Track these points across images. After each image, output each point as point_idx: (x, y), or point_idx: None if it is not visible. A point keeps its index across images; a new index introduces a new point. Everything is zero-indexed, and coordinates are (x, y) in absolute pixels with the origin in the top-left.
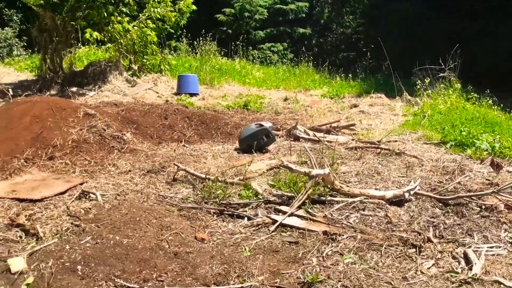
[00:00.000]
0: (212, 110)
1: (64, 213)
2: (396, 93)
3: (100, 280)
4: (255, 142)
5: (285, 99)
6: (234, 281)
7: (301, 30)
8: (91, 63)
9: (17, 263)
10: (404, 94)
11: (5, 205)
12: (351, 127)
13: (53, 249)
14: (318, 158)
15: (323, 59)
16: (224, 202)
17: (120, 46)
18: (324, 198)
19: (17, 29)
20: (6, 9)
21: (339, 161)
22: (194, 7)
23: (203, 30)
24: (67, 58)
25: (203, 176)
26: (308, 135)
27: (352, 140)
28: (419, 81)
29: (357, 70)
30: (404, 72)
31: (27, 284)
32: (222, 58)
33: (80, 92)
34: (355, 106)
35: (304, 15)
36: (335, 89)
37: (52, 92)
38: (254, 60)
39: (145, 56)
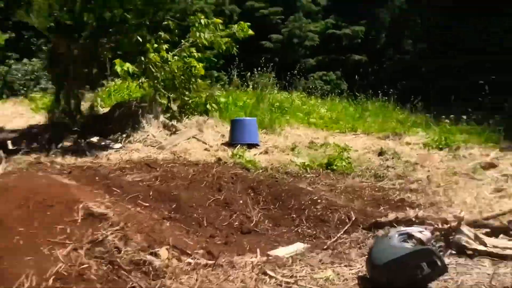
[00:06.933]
0: (283, 172)
1: None
2: None
3: None
4: (405, 275)
5: (380, 153)
6: None
7: (356, 57)
8: (119, 104)
9: None
10: None
11: None
12: None
13: None
14: None
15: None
16: None
17: (156, 81)
18: None
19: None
20: (34, 38)
21: None
22: (251, 32)
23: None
24: (89, 98)
25: None
26: (482, 244)
27: None
28: None
29: (470, 112)
30: None
31: None
32: (278, 93)
33: (102, 144)
34: (493, 166)
35: (359, 40)
36: (441, 136)
37: (66, 143)
38: (309, 92)
39: (187, 93)
